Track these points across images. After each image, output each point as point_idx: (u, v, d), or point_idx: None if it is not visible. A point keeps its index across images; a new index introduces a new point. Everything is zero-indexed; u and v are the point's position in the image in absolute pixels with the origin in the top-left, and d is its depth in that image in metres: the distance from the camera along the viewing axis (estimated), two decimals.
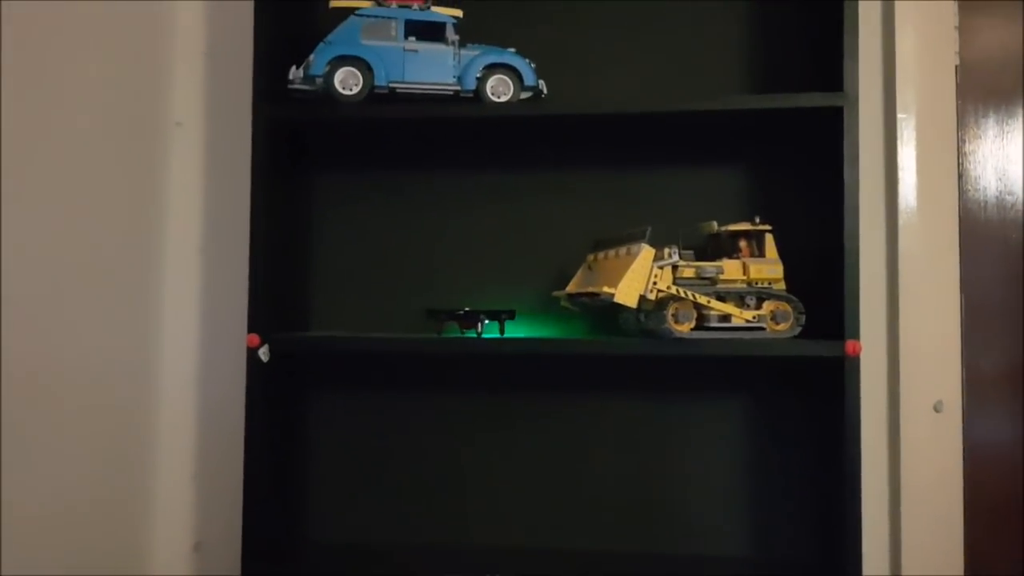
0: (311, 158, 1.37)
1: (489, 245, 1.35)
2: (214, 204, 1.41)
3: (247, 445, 1.21)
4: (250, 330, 1.22)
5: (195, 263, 1.41)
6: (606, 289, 1.17)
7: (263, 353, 1.24)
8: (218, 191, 1.41)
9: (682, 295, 1.20)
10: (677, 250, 1.22)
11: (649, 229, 1.21)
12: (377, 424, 1.36)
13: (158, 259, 1.40)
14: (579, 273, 1.35)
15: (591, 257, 1.34)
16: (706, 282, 1.21)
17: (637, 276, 1.18)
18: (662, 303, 1.21)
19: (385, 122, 1.21)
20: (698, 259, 1.18)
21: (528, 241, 1.35)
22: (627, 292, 1.17)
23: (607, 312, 1.30)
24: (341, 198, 1.37)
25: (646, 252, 1.19)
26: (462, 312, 1.28)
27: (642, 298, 1.19)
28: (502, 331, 1.25)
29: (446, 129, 1.25)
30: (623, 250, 1.24)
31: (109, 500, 1.34)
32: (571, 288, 1.33)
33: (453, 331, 1.24)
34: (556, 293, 1.34)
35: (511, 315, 1.31)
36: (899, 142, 1.37)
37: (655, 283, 1.19)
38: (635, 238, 1.22)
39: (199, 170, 1.42)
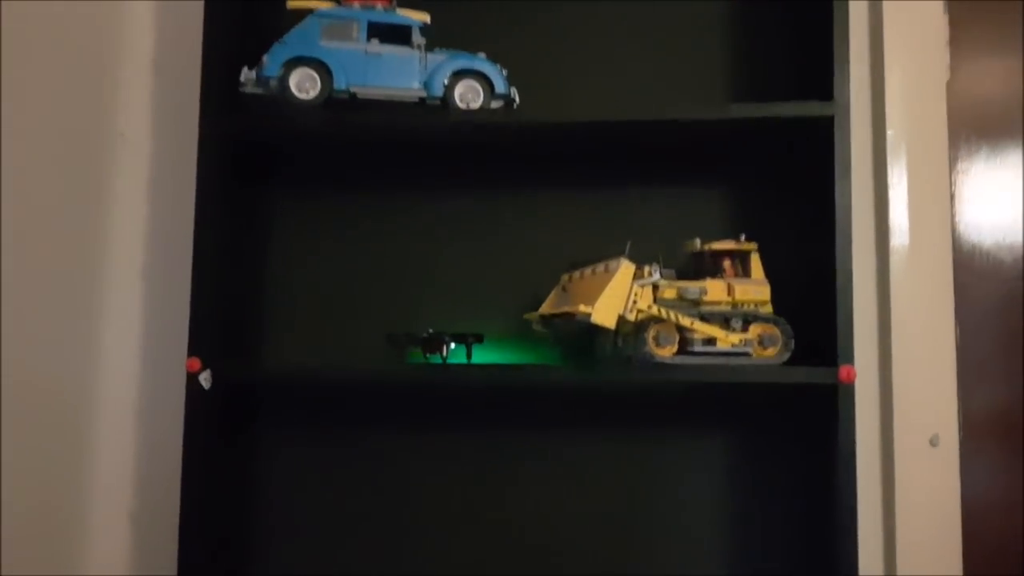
0: (265, 172, 1.28)
1: (456, 265, 1.27)
2: (159, 220, 1.31)
3: (184, 481, 1.10)
4: (191, 353, 1.11)
5: (138, 284, 1.31)
6: (582, 308, 1.08)
7: (204, 379, 1.14)
8: (163, 206, 1.31)
9: (664, 316, 1.11)
10: (658, 268, 1.13)
11: (629, 243, 1.12)
12: (332, 458, 1.25)
13: (99, 279, 1.29)
14: (553, 294, 1.26)
15: (566, 277, 1.25)
16: (689, 303, 1.13)
17: (616, 294, 1.09)
18: (642, 325, 1.12)
19: (345, 130, 1.12)
20: (680, 279, 1.12)
21: (498, 261, 1.26)
22: (605, 311, 1.08)
23: (583, 336, 1.21)
24: (298, 214, 1.28)
25: (625, 268, 1.10)
26: (425, 335, 1.18)
27: (620, 320, 1.10)
28: (469, 356, 1.15)
29: (411, 138, 1.16)
30: (600, 267, 1.15)
31: (40, 537, 1.22)
32: (544, 309, 1.24)
33: (417, 357, 1.13)
34: (528, 315, 1.25)
35: (479, 339, 1.21)
36: (889, 159, 1.30)
37: (635, 302, 1.10)
38: (613, 253, 1.14)
39: (144, 184, 1.32)
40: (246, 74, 1.12)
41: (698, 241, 1.13)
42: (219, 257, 1.11)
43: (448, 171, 1.26)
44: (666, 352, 1.13)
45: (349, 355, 1.24)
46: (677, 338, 1.13)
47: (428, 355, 1.19)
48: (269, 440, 1.26)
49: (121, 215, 1.31)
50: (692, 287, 1.13)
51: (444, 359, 1.17)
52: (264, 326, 1.26)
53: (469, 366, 1.16)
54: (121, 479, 1.29)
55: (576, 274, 1.22)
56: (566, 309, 1.12)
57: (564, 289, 1.24)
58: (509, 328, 1.24)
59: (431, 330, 1.19)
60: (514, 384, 1.24)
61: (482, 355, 1.23)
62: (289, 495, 1.25)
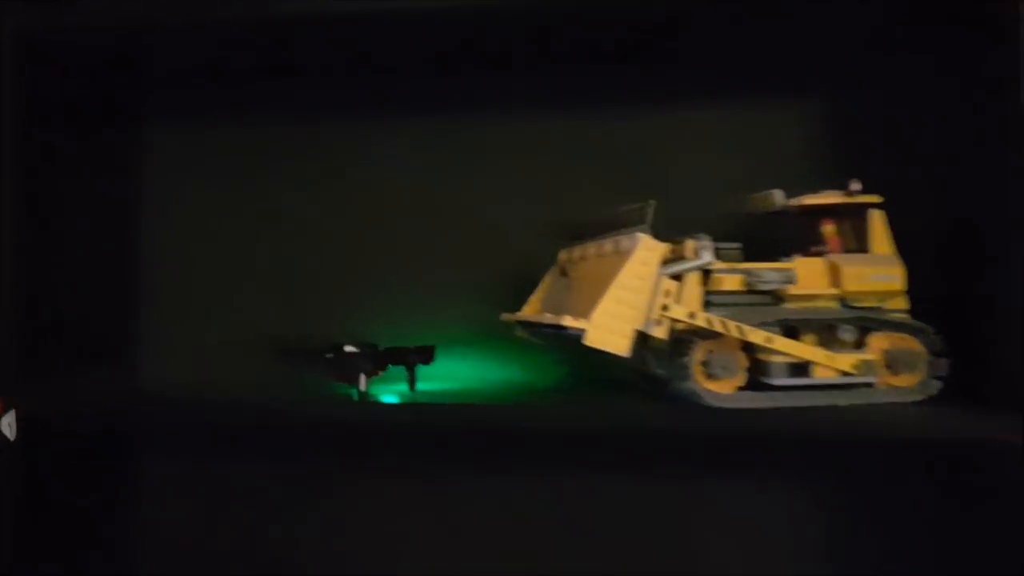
0: (122, 106, 0.95)
1: (398, 232, 0.92)
2: None
3: None
4: None
5: None
6: (569, 322, 0.62)
7: (7, 426, 0.77)
8: None
9: (719, 328, 0.64)
10: (709, 244, 0.66)
11: (652, 205, 0.65)
12: (215, 512, 0.94)
13: None
14: (545, 282, 0.81)
15: (564, 256, 0.78)
16: (764, 300, 0.66)
17: (628, 296, 0.63)
18: (682, 342, 0.65)
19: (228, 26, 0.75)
20: (749, 258, 0.69)
21: (463, 225, 0.90)
22: (607, 328, 0.62)
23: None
24: (172, 168, 0.96)
25: (645, 249, 0.63)
26: (329, 355, 0.74)
27: (641, 338, 0.63)
28: (412, 381, 0.79)
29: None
30: (608, 245, 0.69)
31: None
32: (529, 310, 0.79)
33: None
34: (506, 317, 0.79)
35: (426, 357, 0.77)
36: None
37: (665, 307, 0.63)
38: (628, 221, 0.67)
39: None
40: None
41: (778, 193, 0.70)
42: (40, 234, 0.80)
43: (378, 79, 0.90)
44: (725, 387, 0.66)
45: (235, 370, 0.81)
46: (745, 362, 0.66)
47: (339, 383, 0.75)
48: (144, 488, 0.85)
49: None
50: (770, 270, 0.67)
51: (362, 393, 0.73)
52: (121, 331, 0.95)
53: (403, 406, 0.70)
54: None
55: (577, 252, 0.75)
56: (550, 319, 0.66)
57: (563, 273, 0.78)
58: (480, 329, 0.88)
59: (343, 346, 0.74)
60: (468, 428, 0.79)
61: (434, 375, 0.82)
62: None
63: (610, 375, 0.80)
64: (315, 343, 0.80)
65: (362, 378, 0.74)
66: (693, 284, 0.65)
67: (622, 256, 0.65)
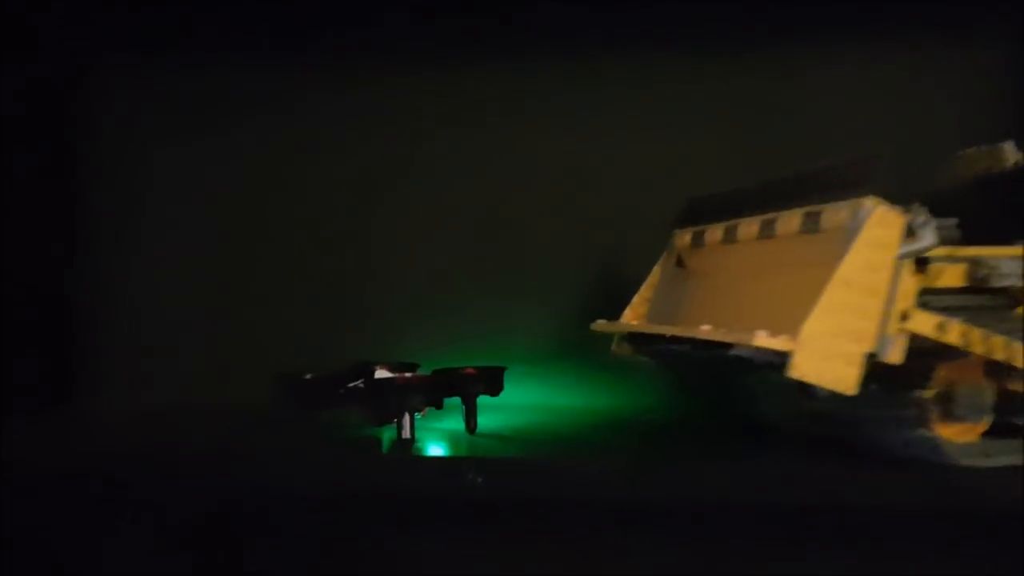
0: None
1: (427, 218, 0.70)
2: None
3: None
4: None
5: None
6: (764, 341, 0.39)
7: None
8: None
9: (979, 348, 0.42)
10: (928, 218, 0.43)
11: (884, 156, 0.42)
12: None
13: None
14: (652, 278, 0.58)
15: (683, 239, 0.56)
16: (996, 302, 0.46)
17: (854, 299, 0.40)
18: (910, 372, 0.42)
19: None
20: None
21: (519, 204, 0.69)
22: (822, 351, 0.39)
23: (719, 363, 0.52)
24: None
25: (879, 224, 0.41)
26: (353, 383, 0.51)
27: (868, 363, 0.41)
28: (472, 419, 0.55)
29: None
30: (790, 220, 0.46)
31: None
32: (631, 318, 0.56)
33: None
34: (599, 326, 0.56)
35: (491, 384, 0.55)
36: None
37: (904, 317, 0.41)
38: (825, 184, 0.44)
39: None
40: None
41: (1008, 148, 0.50)
42: None
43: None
44: (968, 434, 0.44)
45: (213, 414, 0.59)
46: (991, 396, 0.44)
47: (368, 424, 0.52)
48: None
49: None
50: (1007, 259, 0.45)
51: (405, 438, 0.50)
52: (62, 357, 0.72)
53: (464, 463, 0.47)
54: None
55: (713, 234, 0.52)
56: (705, 331, 0.43)
57: (681, 263, 0.56)
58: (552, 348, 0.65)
59: (380, 370, 0.51)
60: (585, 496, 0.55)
61: (496, 411, 0.59)
62: None
63: (750, 410, 0.57)
64: (327, 367, 0.56)
65: (407, 419, 0.50)
66: (906, 279, 0.43)
67: (828, 237, 0.42)
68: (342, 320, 0.69)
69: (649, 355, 0.55)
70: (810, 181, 0.45)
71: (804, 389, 0.48)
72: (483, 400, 0.55)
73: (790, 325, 0.39)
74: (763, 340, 0.39)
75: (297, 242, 0.70)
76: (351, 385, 0.53)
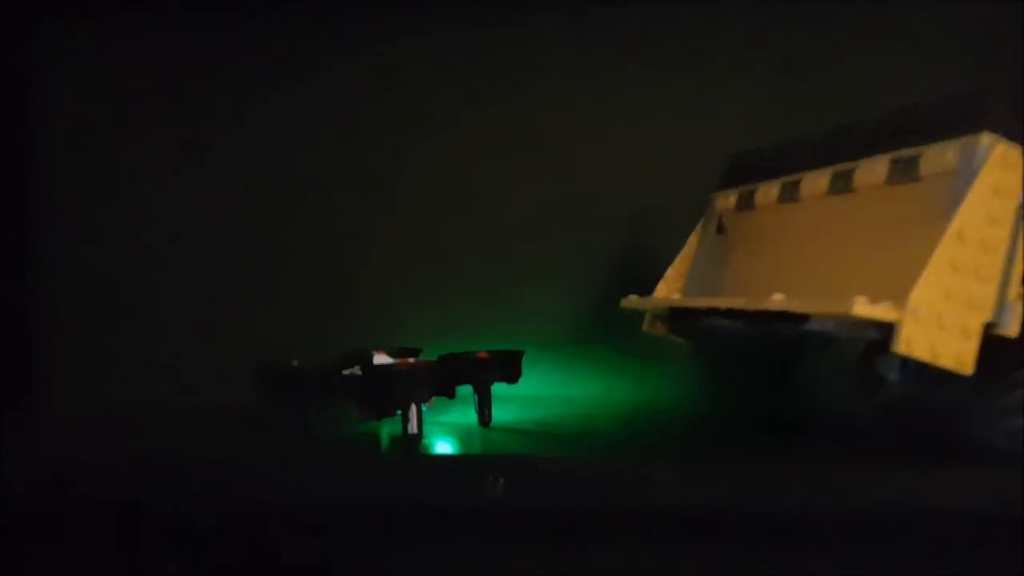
0: None
1: (432, 190, 0.62)
2: None
3: None
4: None
5: None
6: (864, 309, 0.31)
7: None
8: None
9: None
10: None
11: (1002, 87, 0.35)
12: None
13: None
14: (688, 248, 0.50)
15: (725, 201, 0.48)
16: None
17: (973, 258, 0.33)
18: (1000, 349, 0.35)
19: None
20: None
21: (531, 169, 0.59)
22: (935, 321, 0.32)
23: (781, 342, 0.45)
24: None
25: (999, 165, 0.33)
26: (349, 370, 0.43)
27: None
28: (486, 410, 0.48)
29: None
30: (873, 169, 0.38)
31: None
32: (667, 293, 0.49)
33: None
34: (630, 302, 0.49)
35: (508, 370, 0.48)
36: None
37: None
38: (940, 120, 0.36)
39: None
40: None
41: None
42: None
43: None
44: None
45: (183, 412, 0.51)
46: None
47: (366, 418, 0.45)
48: None
49: None
50: None
51: (412, 437, 0.42)
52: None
53: (480, 460, 0.40)
54: None
55: (765, 192, 0.45)
56: (778, 304, 0.35)
57: (721, 228, 0.49)
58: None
59: (379, 356, 0.44)
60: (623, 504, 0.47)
61: (512, 401, 0.52)
62: None
63: (803, 397, 0.50)
64: (318, 355, 0.49)
65: (413, 411, 0.43)
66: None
67: (929, 186, 0.35)
68: (340, 309, 0.61)
69: (689, 335, 0.48)
70: (900, 122, 0.38)
71: (877, 373, 0.42)
72: (499, 390, 0.48)
73: (888, 292, 0.32)
74: (862, 308, 0.31)
75: (296, 228, 0.63)
76: (346, 373, 0.45)
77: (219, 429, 0.51)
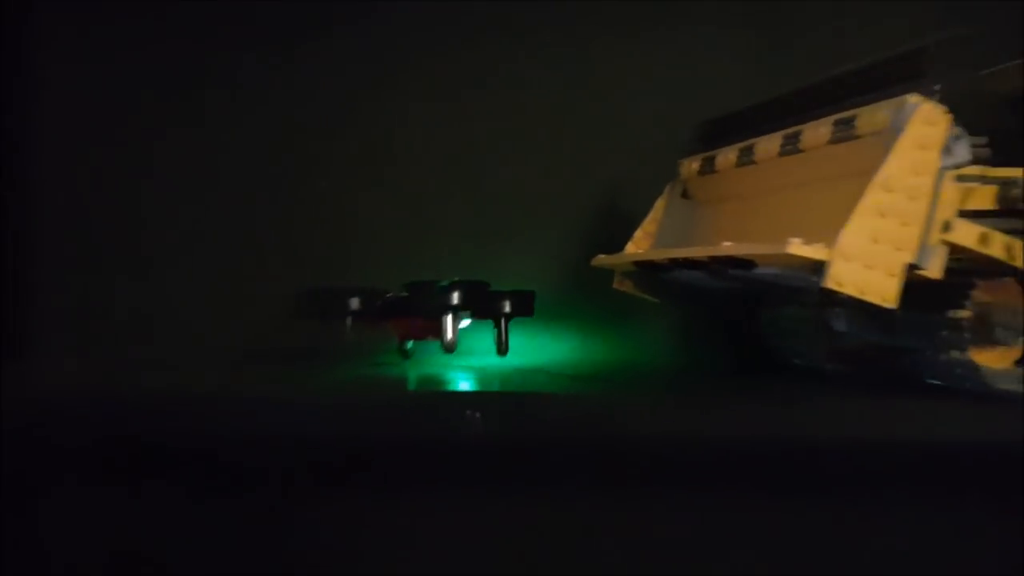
0: None
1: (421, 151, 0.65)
2: None
3: None
4: None
5: None
6: (798, 249, 0.35)
7: None
8: None
9: (1015, 255, 0.39)
10: (962, 133, 0.40)
11: (941, 41, 0.39)
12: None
13: None
14: (656, 211, 0.55)
15: (689, 168, 0.52)
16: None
17: (897, 204, 0.37)
18: (944, 286, 0.39)
19: None
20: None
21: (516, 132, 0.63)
22: (861, 259, 0.36)
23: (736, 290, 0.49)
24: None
25: (923, 122, 0.38)
26: (388, 294, 0.54)
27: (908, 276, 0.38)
28: (504, 341, 0.55)
29: None
30: (817, 130, 0.42)
31: None
32: (637, 246, 0.53)
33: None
34: (599, 260, 0.53)
35: (524, 305, 0.55)
36: None
37: (947, 227, 0.38)
38: (865, 84, 0.40)
39: None
40: None
41: None
42: None
43: None
44: (1002, 359, 0.41)
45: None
46: None
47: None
48: None
49: None
50: None
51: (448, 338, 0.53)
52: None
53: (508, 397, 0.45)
54: None
55: (725, 158, 0.49)
56: (726, 250, 0.39)
57: (687, 195, 0.52)
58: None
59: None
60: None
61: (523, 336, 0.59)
62: None
63: (765, 347, 0.54)
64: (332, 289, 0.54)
65: (448, 323, 0.51)
66: (949, 187, 0.39)
67: (865, 144, 0.39)
68: (325, 273, 0.64)
69: (654, 289, 0.52)
70: (848, 83, 0.42)
71: (829, 325, 0.46)
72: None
73: (824, 236, 0.36)
74: (796, 248, 0.35)
75: (277, 191, 0.66)
76: (389, 296, 0.53)
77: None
